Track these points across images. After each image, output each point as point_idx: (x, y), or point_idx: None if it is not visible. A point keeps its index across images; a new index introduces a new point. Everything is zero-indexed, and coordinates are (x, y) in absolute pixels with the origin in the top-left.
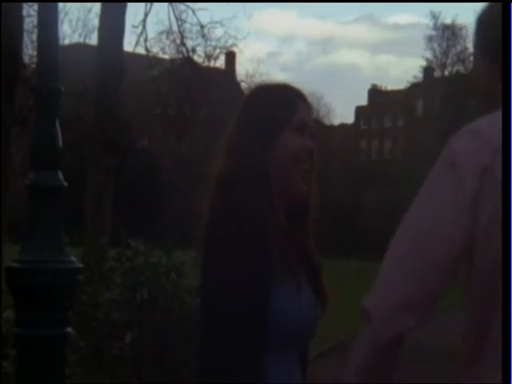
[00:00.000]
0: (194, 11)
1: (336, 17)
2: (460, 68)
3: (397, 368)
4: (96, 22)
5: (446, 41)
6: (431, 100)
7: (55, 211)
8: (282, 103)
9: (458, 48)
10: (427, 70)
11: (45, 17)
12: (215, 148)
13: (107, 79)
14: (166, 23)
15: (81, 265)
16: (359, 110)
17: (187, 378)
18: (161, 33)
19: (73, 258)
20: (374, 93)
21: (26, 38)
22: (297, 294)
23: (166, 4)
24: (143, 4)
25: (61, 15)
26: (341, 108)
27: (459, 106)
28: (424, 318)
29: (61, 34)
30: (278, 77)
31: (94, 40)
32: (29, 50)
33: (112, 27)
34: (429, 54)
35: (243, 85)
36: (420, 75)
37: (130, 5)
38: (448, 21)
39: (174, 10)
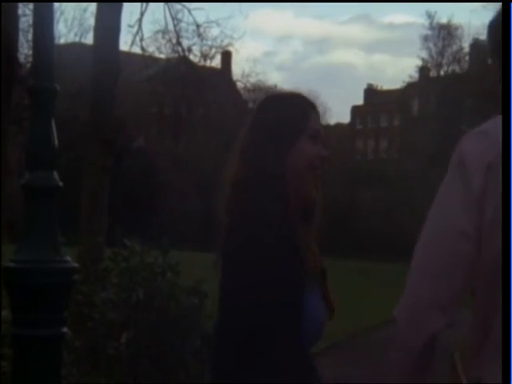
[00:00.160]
0: (189, 11)
1: (332, 16)
2: (456, 68)
3: (431, 368)
4: (92, 21)
5: (441, 40)
6: (427, 100)
7: (51, 211)
8: (298, 111)
9: (454, 48)
10: (423, 70)
11: (40, 16)
12: (230, 154)
13: (103, 78)
14: (162, 23)
15: (76, 265)
16: (355, 110)
17: (183, 377)
18: (157, 32)
19: (68, 258)
20: (370, 92)
21: (21, 38)
22: (319, 296)
23: (161, 3)
24: (139, 3)
25: (56, 14)
26: (337, 107)
27: (455, 106)
28: (453, 317)
29: (56, 34)
30: (274, 76)
31: (89, 39)
32: (24, 50)
33: (108, 26)
34: (424, 54)
35: (239, 84)
36: (416, 75)
37: (125, 4)
38: (444, 20)
39: (169, 10)
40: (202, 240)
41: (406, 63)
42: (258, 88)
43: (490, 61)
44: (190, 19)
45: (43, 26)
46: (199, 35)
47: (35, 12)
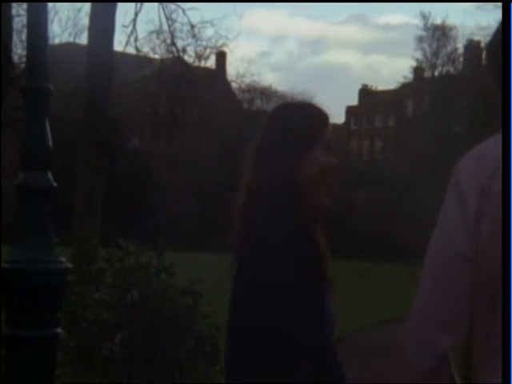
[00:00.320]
0: (184, 11)
1: (327, 17)
2: (450, 68)
3: None
4: (86, 21)
5: (436, 41)
6: (421, 100)
7: (45, 212)
8: (314, 121)
9: (448, 48)
10: (417, 71)
11: (34, 16)
12: (244, 160)
13: (97, 79)
14: (157, 23)
15: (70, 265)
16: (350, 110)
17: (177, 378)
18: (151, 32)
19: (62, 259)
20: (365, 93)
21: (15, 38)
22: (329, 296)
23: (156, 4)
24: (133, 3)
25: (50, 14)
26: (331, 108)
27: (449, 107)
28: (461, 337)
29: (50, 34)
30: (269, 77)
31: (83, 39)
32: (18, 50)
33: (102, 27)
34: (419, 55)
35: (234, 85)
36: (410, 75)
37: (120, 4)
38: (438, 21)
39: (164, 10)
40: (197, 240)
41: (401, 64)
42: (252, 88)
43: (484, 61)
44: (185, 19)
45: (37, 26)
46: (194, 35)
47: (29, 12)
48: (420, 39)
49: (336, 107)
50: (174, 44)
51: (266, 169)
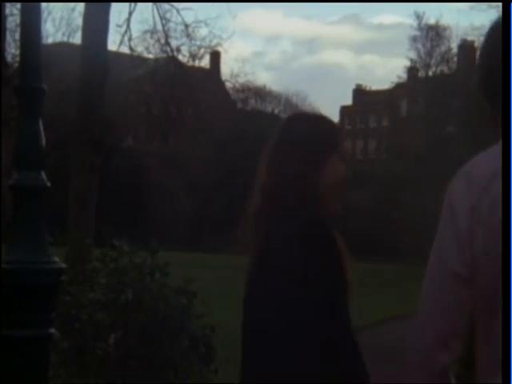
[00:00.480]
0: (178, 10)
1: (321, 17)
2: (444, 68)
3: None
4: (80, 21)
5: (429, 41)
6: (415, 100)
7: (38, 211)
8: (332, 132)
9: (442, 48)
10: (411, 70)
11: (28, 16)
12: (258, 166)
13: (91, 78)
14: (151, 22)
15: (64, 265)
16: (344, 110)
17: (172, 378)
18: (145, 32)
19: (56, 259)
20: (359, 93)
21: (8, 37)
22: None
23: (150, 3)
24: (127, 3)
25: (44, 14)
26: (325, 108)
27: (443, 107)
28: (459, 353)
29: (44, 33)
30: (263, 76)
31: (77, 39)
32: (12, 49)
33: (96, 26)
34: (413, 55)
35: (228, 84)
36: (404, 75)
37: (114, 4)
38: (432, 21)
39: (158, 10)
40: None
41: (395, 64)
42: (246, 88)
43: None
44: (179, 19)
45: (31, 25)
46: (188, 35)
47: (22, 12)
48: (414, 39)
49: (330, 107)
50: (168, 44)
51: (283, 172)
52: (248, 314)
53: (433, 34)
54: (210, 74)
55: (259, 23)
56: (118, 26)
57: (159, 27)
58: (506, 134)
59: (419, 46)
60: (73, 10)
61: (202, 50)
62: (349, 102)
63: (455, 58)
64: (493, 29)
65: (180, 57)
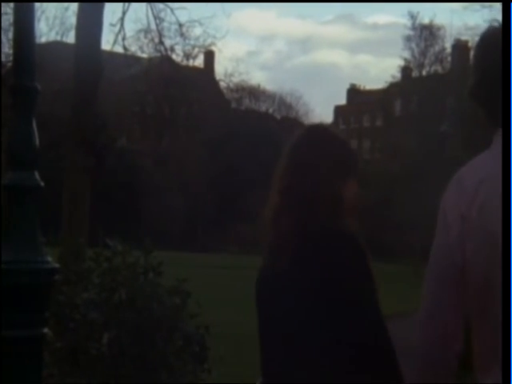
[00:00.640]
0: (172, 10)
1: (315, 16)
2: (438, 68)
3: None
4: (73, 20)
5: (423, 41)
6: (409, 100)
7: (32, 211)
8: (353, 152)
9: (436, 48)
10: (405, 70)
11: (21, 15)
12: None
13: (85, 78)
14: (145, 22)
15: (57, 265)
16: (338, 110)
17: (165, 378)
18: (139, 31)
19: (49, 259)
20: (353, 92)
21: (2, 36)
22: None
23: (144, 3)
24: (121, 2)
25: (37, 13)
26: (320, 107)
27: (437, 106)
28: (459, 349)
29: (37, 32)
30: (257, 76)
31: (71, 38)
32: (5, 49)
33: (89, 25)
34: (407, 54)
35: (222, 84)
36: (398, 75)
37: (107, 3)
38: (426, 21)
39: (152, 9)
40: (185, 239)
41: (389, 63)
42: (240, 87)
43: (471, 61)
44: (173, 18)
45: (24, 24)
46: (182, 35)
47: (16, 11)
48: (408, 39)
49: (324, 106)
50: (162, 43)
51: (306, 179)
52: (273, 313)
53: (427, 33)
54: (204, 74)
55: (253, 23)
56: (112, 25)
57: (153, 26)
58: (506, 134)
59: (413, 45)
60: (66, 9)
61: (196, 50)
62: (343, 101)
63: (449, 58)
64: (489, 30)
65: (174, 56)
